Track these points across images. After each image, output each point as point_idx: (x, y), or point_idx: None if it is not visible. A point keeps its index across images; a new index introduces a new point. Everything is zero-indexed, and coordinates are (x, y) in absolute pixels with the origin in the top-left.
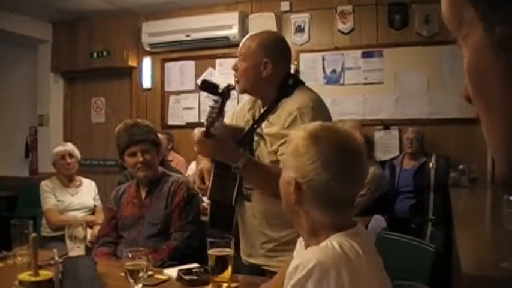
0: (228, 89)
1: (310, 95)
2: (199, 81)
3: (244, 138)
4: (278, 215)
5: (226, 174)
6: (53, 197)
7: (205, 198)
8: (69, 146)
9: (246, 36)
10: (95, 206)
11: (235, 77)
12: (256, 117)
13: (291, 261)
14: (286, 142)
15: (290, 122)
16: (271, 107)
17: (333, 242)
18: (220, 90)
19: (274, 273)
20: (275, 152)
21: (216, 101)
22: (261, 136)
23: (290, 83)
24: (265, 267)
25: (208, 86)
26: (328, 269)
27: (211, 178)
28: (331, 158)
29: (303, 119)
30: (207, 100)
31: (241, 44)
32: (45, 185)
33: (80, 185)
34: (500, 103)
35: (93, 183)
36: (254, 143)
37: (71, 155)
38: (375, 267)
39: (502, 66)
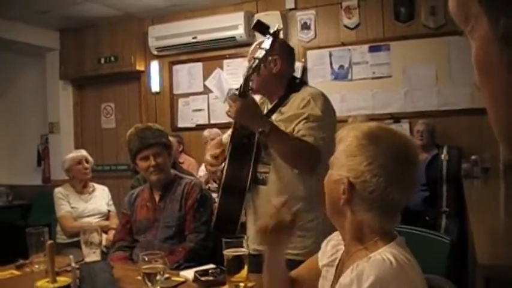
0: (279, 30)
1: (318, 89)
2: (253, 22)
3: (250, 133)
4: (293, 196)
5: (241, 159)
6: (67, 204)
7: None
8: (83, 152)
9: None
10: (108, 211)
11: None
12: (266, 112)
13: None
14: (338, 140)
15: (304, 104)
16: (281, 101)
17: (388, 255)
18: (271, 31)
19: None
20: (291, 133)
21: (262, 47)
22: None
23: (297, 82)
24: None
25: (261, 27)
26: (389, 285)
27: (227, 161)
28: (390, 161)
29: (316, 101)
30: (216, 101)
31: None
32: (58, 192)
33: (93, 191)
34: (505, 93)
35: (106, 189)
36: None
37: (87, 160)
38: (422, 275)
39: (506, 59)
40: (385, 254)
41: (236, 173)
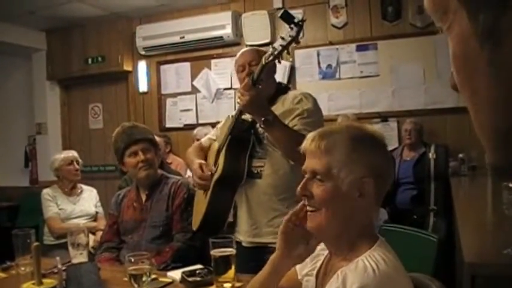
0: (303, 21)
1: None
2: (280, 12)
3: (250, 126)
4: (287, 188)
5: (238, 151)
6: (55, 206)
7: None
8: (75, 153)
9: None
10: (96, 212)
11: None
12: None
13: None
14: (322, 151)
15: (298, 101)
16: (270, 102)
17: (371, 262)
18: (296, 21)
19: None
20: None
21: (283, 38)
22: None
23: (283, 86)
24: (272, 246)
25: (287, 16)
26: None
27: (224, 153)
28: (382, 146)
29: (307, 99)
30: (204, 101)
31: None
32: (46, 193)
33: (81, 192)
34: (485, 91)
35: (94, 190)
36: (259, 130)
37: (77, 162)
38: (407, 277)
39: (487, 55)
40: (368, 261)
41: (233, 164)
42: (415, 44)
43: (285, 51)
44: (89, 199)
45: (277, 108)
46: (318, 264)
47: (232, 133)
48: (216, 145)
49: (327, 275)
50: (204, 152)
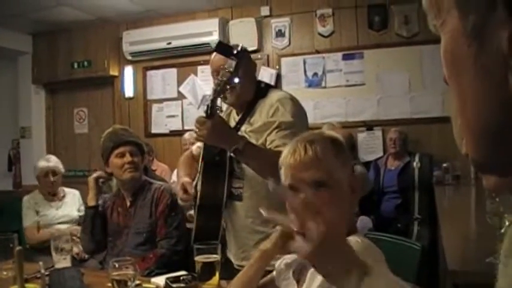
0: (244, 50)
1: (285, 91)
2: (214, 43)
3: (221, 150)
4: (270, 209)
5: (215, 176)
6: (33, 214)
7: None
8: (52, 162)
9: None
10: (80, 216)
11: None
12: (235, 123)
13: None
14: (313, 162)
15: (273, 111)
16: (249, 110)
17: (354, 237)
18: (235, 51)
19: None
20: (263, 145)
21: (226, 68)
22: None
23: (263, 86)
24: None
25: (223, 48)
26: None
27: (200, 180)
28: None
29: (285, 107)
30: (190, 107)
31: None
32: (27, 201)
33: (63, 197)
34: (470, 88)
35: (77, 193)
36: None
37: (54, 173)
38: None
39: (473, 53)
40: (351, 238)
41: (211, 191)
42: (401, 54)
43: (228, 85)
44: (72, 203)
45: (255, 121)
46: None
47: (205, 159)
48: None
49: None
50: (195, 160)
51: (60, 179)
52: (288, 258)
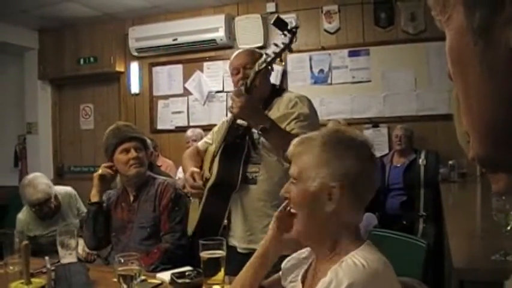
0: (297, 27)
1: (301, 93)
2: (272, 18)
3: (244, 131)
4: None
5: (232, 158)
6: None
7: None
8: (41, 192)
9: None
10: (80, 221)
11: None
12: None
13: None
14: (297, 154)
15: (293, 105)
16: (265, 106)
17: (360, 259)
18: (289, 27)
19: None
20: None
21: (276, 45)
22: None
23: (277, 87)
24: None
25: (280, 23)
26: None
27: (217, 160)
28: (361, 153)
29: (303, 102)
30: (196, 104)
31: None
32: (18, 222)
33: (57, 209)
34: (476, 85)
35: (71, 192)
36: (254, 135)
37: (46, 202)
38: (395, 275)
39: (479, 51)
40: (357, 258)
41: (227, 171)
42: (407, 51)
43: (278, 58)
44: (68, 211)
45: (273, 113)
46: (303, 271)
47: (227, 139)
48: (211, 149)
49: (315, 277)
50: (200, 155)
51: (57, 199)
52: (295, 258)
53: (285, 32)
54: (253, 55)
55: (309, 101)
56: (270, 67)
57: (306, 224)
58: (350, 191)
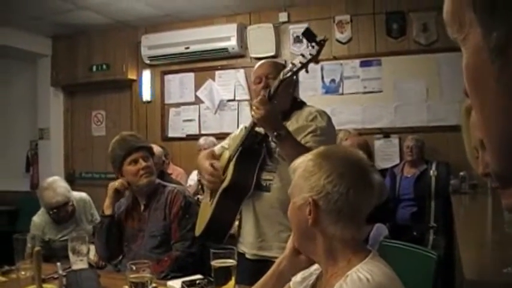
0: (325, 40)
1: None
2: (303, 29)
3: (262, 138)
4: None
5: (248, 164)
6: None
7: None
8: (61, 195)
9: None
10: (94, 227)
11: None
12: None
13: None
14: (292, 171)
15: (312, 118)
16: (285, 117)
17: (364, 273)
18: (318, 39)
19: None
20: None
21: (303, 55)
22: None
23: (299, 101)
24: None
25: (309, 34)
26: None
27: (233, 164)
28: (346, 169)
29: (322, 117)
30: (207, 112)
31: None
32: (33, 224)
33: (73, 213)
34: (493, 103)
35: (85, 198)
36: (271, 144)
37: (65, 205)
38: (400, 282)
39: (497, 70)
40: (361, 272)
41: (241, 174)
42: (418, 61)
43: (304, 69)
44: (82, 215)
45: (291, 124)
46: (311, 283)
47: (244, 145)
48: (227, 154)
49: None
50: (215, 159)
51: (73, 205)
52: (306, 271)
53: (313, 44)
54: (276, 66)
55: (329, 117)
56: (294, 77)
57: (297, 239)
58: (326, 206)
